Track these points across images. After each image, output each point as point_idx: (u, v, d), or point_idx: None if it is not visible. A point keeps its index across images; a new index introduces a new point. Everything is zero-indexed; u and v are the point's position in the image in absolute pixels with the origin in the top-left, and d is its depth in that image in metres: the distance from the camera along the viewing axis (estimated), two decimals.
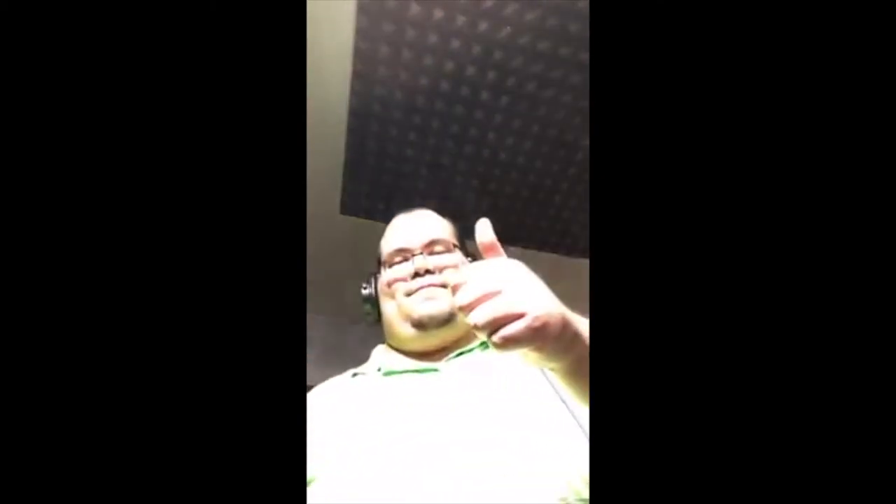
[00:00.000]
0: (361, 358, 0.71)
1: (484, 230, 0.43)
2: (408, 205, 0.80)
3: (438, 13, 0.96)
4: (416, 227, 0.73)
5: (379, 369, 0.63)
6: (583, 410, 0.46)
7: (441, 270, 0.67)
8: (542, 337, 0.37)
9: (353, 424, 0.54)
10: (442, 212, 0.77)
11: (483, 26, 0.98)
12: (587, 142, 1.19)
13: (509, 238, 1.39)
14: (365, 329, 1.07)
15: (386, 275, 0.70)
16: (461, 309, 0.39)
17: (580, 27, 0.98)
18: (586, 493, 0.45)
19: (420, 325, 0.65)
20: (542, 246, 1.48)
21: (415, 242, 0.70)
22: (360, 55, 1.03)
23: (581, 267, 1.48)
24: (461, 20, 0.97)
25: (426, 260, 0.67)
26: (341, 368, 0.68)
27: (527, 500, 0.44)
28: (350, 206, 1.37)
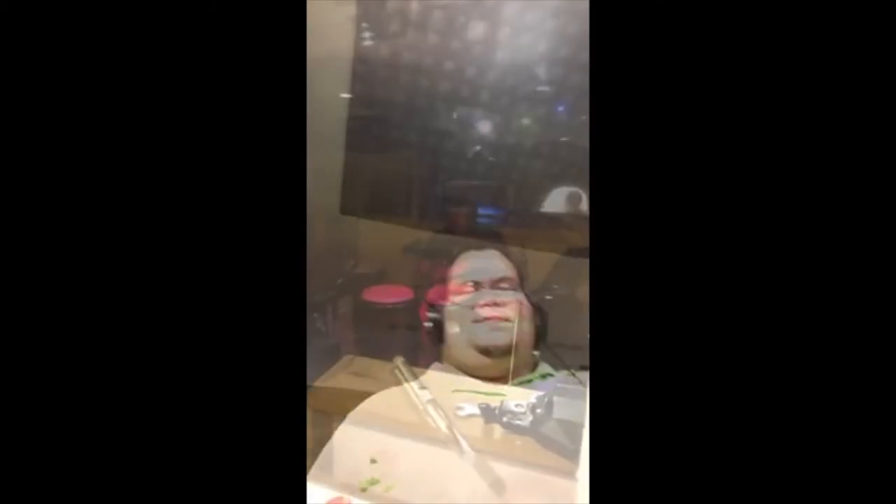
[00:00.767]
0: None
1: None
2: (408, 205, 0.86)
3: (439, 13, 0.96)
4: (487, 263, 0.83)
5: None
6: None
7: (506, 305, 0.75)
8: None
9: None
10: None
11: (483, 26, 0.98)
12: (587, 142, 1.19)
13: (510, 238, 1.39)
14: None
15: (455, 301, 0.79)
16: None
17: (580, 27, 0.98)
18: None
19: (486, 352, 0.73)
20: (541, 246, 1.48)
21: (486, 276, 0.80)
22: (360, 56, 1.03)
23: (581, 267, 1.47)
24: (461, 20, 0.97)
25: (495, 294, 0.76)
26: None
27: None
28: (350, 206, 1.37)
